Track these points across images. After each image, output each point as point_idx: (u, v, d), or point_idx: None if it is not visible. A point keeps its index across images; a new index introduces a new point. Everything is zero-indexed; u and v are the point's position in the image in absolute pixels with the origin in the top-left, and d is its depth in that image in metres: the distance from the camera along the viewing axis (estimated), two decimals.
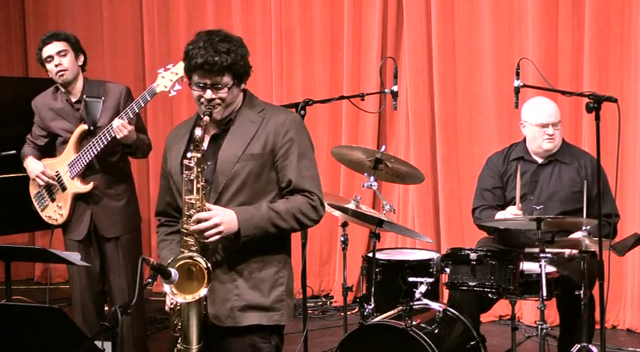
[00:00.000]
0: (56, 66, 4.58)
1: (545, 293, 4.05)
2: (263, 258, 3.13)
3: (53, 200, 4.70)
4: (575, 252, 4.37)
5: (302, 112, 4.47)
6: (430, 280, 4.38)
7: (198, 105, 3.13)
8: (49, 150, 4.77)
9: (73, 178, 4.63)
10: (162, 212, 3.33)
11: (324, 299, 6.74)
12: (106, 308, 5.07)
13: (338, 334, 5.26)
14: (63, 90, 4.68)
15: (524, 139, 4.82)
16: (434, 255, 4.70)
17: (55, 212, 4.70)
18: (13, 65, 7.62)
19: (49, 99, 4.72)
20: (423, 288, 4.32)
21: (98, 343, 2.95)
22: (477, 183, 4.92)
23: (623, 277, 5.77)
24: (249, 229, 3.03)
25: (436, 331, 4.13)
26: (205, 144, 3.14)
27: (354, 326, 4.36)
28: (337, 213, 4.85)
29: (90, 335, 3.27)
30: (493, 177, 4.82)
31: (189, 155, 3.03)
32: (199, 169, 3.02)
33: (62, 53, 4.60)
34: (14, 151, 4.92)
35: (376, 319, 4.20)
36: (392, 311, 4.22)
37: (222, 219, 3.01)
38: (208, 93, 3.07)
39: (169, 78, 4.47)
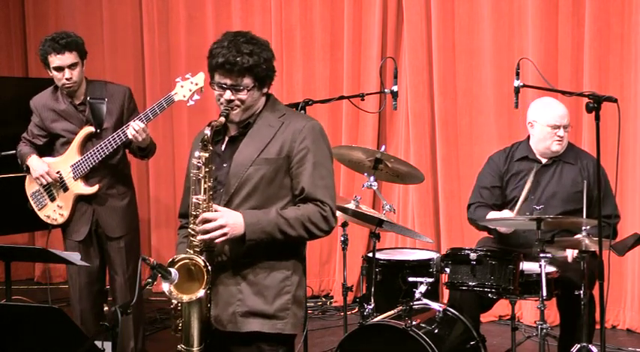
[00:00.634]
0: (67, 79, 4.56)
1: (545, 293, 4.05)
2: (270, 264, 3.08)
3: (53, 200, 4.70)
4: (577, 253, 4.37)
5: (302, 112, 4.46)
6: (430, 280, 4.37)
7: (219, 106, 3.10)
8: (45, 149, 4.77)
9: (76, 179, 4.63)
10: (184, 214, 3.27)
11: (324, 299, 6.75)
12: (106, 308, 5.07)
13: (338, 334, 5.26)
14: (65, 91, 4.67)
15: (528, 138, 4.81)
16: (434, 255, 4.70)
17: (54, 212, 4.70)
18: (13, 65, 7.61)
19: (49, 99, 4.70)
20: (423, 288, 4.32)
21: (98, 343, 2.96)
22: (476, 180, 4.91)
23: (623, 277, 5.77)
24: (255, 233, 2.99)
25: (436, 331, 4.13)
26: (223, 146, 3.13)
27: (354, 326, 4.36)
28: (337, 213, 4.84)
29: (86, 334, 3.26)
30: (493, 176, 4.81)
31: (196, 154, 3.02)
32: (207, 169, 3.01)
33: (73, 66, 4.56)
34: (14, 151, 4.92)
35: (376, 319, 4.20)
36: (392, 311, 4.22)
37: (228, 220, 2.98)
38: (227, 94, 3.05)
39: (188, 87, 4.48)
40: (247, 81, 3.04)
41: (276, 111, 3.15)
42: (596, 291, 4.21)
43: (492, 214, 4.63)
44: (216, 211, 3.01)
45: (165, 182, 7.21)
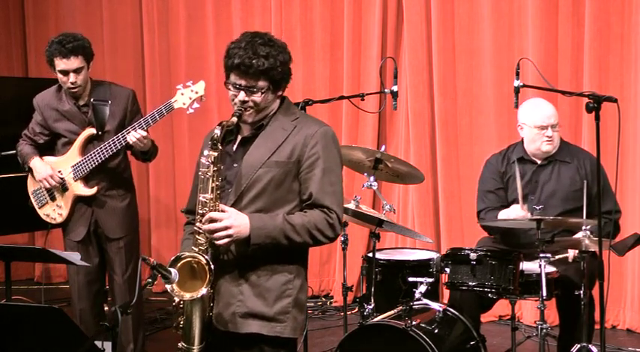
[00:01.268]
0: (71, 83, 4.55)
1: (545, 293, 4.05)
2: (273, 266, 3.07)
3: (53, 199, 4.70)
4: (577, 252, 4.38)
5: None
6: (430, 280, 4.38)
7: (233, 105, 3.09)
8: (46, 148, 4.76)
9: (76, 180, 4.63)
10: (190, 210, 3.25)
11: (324, 299, 6.74)
12: (106, 308, 5.07)
13: (338, 334, 5.26)
14: (70, 94, 4.66)
15: (522, 140, 4.82)
16: (434, 255, 4.70)
17: (54, 211, 4.70)
18: (13, 65, 7.61)
19: (53, 98, 4.69)
20: (423, 288, 4.32)
21: (98, 343, 2.96)
22: (477, 186, 4.91)
23: (623, 277, 5.77)
24: (260, 237, 2.99)
25: (436, 331, 4.13)
26: (235, 146, 3.13)
27: (354, 326, 4.36)
28: None
29: (85, 334, 3.26)
30: (494, 178, 4.81)
31: (205, 152, 3.02)
32: (215, 168, 3.00)
33: (78, 70, 4.54)
34: (14, 151, 4.92)
35: (376, 319, 4.20)
36: (392, 311, 4.22)
37: (234, 222, 2.97)
38: (241, 95, 3.04)
39: (188, 95, 4.49)
40: (262, 83, 3.04)
41: (290, 114, 3.15)
42: (596, 291, 4.21)
43: (502, 214, 4.62)
44: (223, 211, 3.00)
45: (165, 182, 7.21)
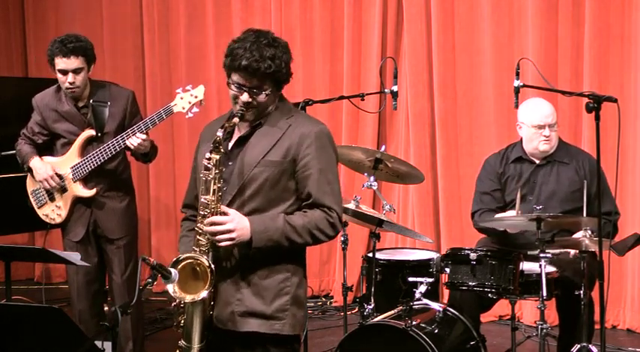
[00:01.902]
0: (70, 83, 4.54)
1: (545, 293, 4.05)
2: (271, 265, 3.07)
3: (52, 199, 4.70)
4: (577, 252, 4.38)
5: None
6: (430, 280, 4.37)
7: (233, 105, 3.09)
8: (45, 148, 4.76)
9: (75, 181, 4.63)
10: (189, 205, 3.27)
11: (324, 299, 6.74)
12: (106, 308, 5.07)
13: (338, 334, 5.26)
14: (68, 95, 4.65)
15: (521, 140, 4.82)
16: (434, 255, 4.70)
17: (52, 211, 4.70)
18: (13, 65, 7.60)
19: (52, 99, 4.69)
20: (423, 288, 4.32)
21: (98, 343, 2.96)
22: (475, 186, 4.92)
23: (623, 277, 5.77)
24: (261, 241, 2.99)
25: (436, 331, 4.13)
26: (231, 144, 3.12)
27: (354, 326, 4.36)
28: None
29: (85, 334, 3.26)
30: (491, 179, 4.81)
31: (207, 155, 3.01)
32: (217, 171, 2.99)
33: (78, 71, 4.54)
34: (14, 151, 4.91)
35: (376, 319, 4.20)
36: (392, 311, 4.22)
37: (237, 225, 2.97)
38: (245, 96, 3.03)
39: (188, 100, 4.49)
40: (267, 85, 3.03)
41: (286, 112, 3.13)
42: (596, 291, 4.21)
43: (498, 217, 4.62)
44: (225, 214, 2.99)
45: (165, 183, 7.21)
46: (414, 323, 4.01)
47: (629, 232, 4.60)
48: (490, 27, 6.07)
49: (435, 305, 4.26)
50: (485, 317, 5.44)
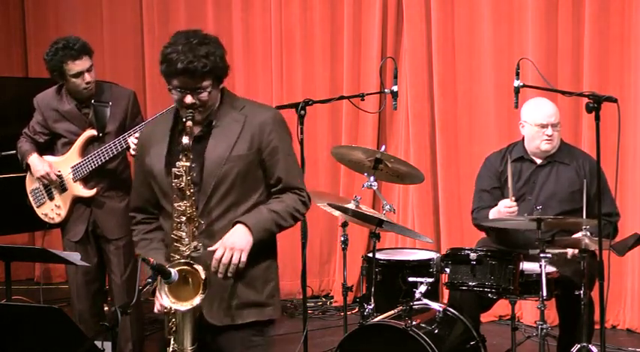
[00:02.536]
0: (87, 83, 4.54)
1: (545, 293, 4.05)
2: (253, 255, 3.13)
3: (51, 199, 4.70)
4: (577, 252, 4.38)
5: (302, 112, 4.46)
6: (430, 280, 4.37)
7: (180, 109, 3.12)
8: (46, 148, 4.76)
9: (75, 181, 4.63)
10: (139, 208, 3.31)
11: (324, 299, 6.74)
12: (106, 308, 5.07)
13: (338, 334, 5.26)
14: (85, 95, 4.64)
15: (523, 139, 4.82)
16: (434, 255, 4.69)
17: (52, 211, 4.70)
18: (13, 65, 7.60)
19: (53, 99, 4.69)
20: (423, 288, 4.32)
21: (98, 343, 2.96)
22: (475, 184, 4.92)
23: (623, 277, 5.77)
24: (259, 233, 3.09)
25: (436, 331, 4.13)
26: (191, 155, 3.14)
27: (354, 326, 4.36)
28: (337, 213, 4.85)
29: (85, 334, 3.27)
30: (491, 177, 4.81)
31: (178, 164, 3.03)
32: (188, 177, 3.03)
33: (90, 68, 4.55)
34: (14, 151, 4.91)
35: (376, 319, 4.20)
36: (392, 311, 4.22)
37: (228, 240, 3.03)
38: (189, 98, 3.06)
39: None
40: (207, 82, 3.07)
41: (236, 104, 3.19)
42: (596, 291, 4.21)
43: (492, 212, 4.62)
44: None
45: None
46: (414, 323, 4.01)
47: (629, 232, 4.60)
48: (490, 27, 6.07)
49: (435, 305, 4.26)
50: (485, 317, 5.43)
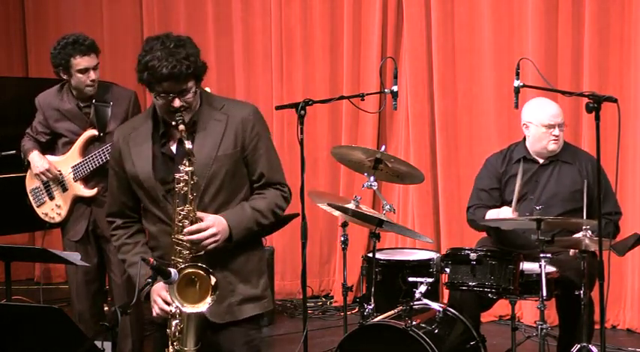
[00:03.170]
0: (91, 81, 4.55)
1: (545, 293, 4.05)
2: (246, 250, 3.21)
3: (52, 198, 4.70)
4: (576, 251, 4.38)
5: (302, 112, 4.46)
6: (430, 280, 4.37)
7: (164, 114, 3.12)
8: (48, 147, 4.77)
9: (76, 181, 4.63)
10: (117, 213, 3.32)
11: (324, 299, 6.74)
12: (106, 307, 5.07)
13: (338, 334, 5.26)
14: (74, 92, 4.65)
15: (524, 139, 4.82)
16: (434, 255, 4.70)
17: (52, 210, 4.71)
18: (13, 65, 7.60)
19: (54, 98, 4.69)
20: (423, 288, 4.32)
21: (98, 343, 2.96)
22: (474, 182, 4.92)
23: (623, 277, 5.77)
24: (240, 233, 3.13)
25: (436, 331, 4.13)
26: (174, 148, 3.16)
27: (354, 326, 4.36)
28: (337, 213, 4.85)
29: (85, 334, 3.27)
30: (491, 178, 4.81)
31: (181, 168, 3.04)
32: (193, 182, 3.04)
33: (96, 67, 4.56)
34: (14, 151, 4.92)
35: (376, 319, 4.20)
36: (392, 311, 4.22)
37: (217, 227, 3.07)
38: (177, 102, 3.07)
39: None
40: (190, 84, 3.09)
41: (215, 103, 3.21)
42: (596, 291, 4.21)
43: (491, 213, 4.63)
44: (201, 219, 3.06)
45: None
46: (414, 323, 4.01)
47: (630, 232, 4.60)
48: (490, 27, 6.07)
49: (435, 305, 4.26)
50: (485, 317, 5.44)
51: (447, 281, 4.35)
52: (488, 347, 4.36)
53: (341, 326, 4.99)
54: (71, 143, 4.65)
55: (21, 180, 4.86)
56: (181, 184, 3.04)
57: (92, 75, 4.55)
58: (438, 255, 4.67)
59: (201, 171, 3.09)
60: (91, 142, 4.63)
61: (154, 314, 3.14)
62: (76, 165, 4.62)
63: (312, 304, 6.53)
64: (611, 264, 4.10)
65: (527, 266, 4.24)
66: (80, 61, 4.51)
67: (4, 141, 5.33)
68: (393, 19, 6.44)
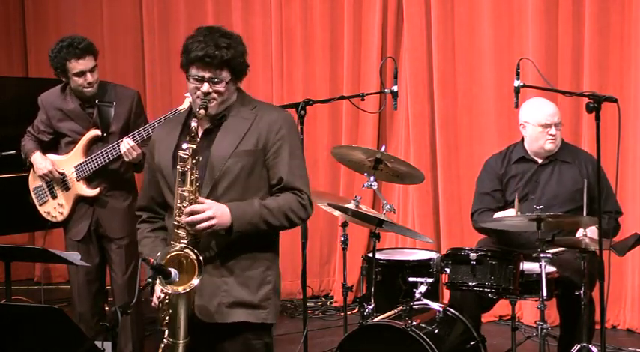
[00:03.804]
0: (88, 83, 4.55)
1: (545, 293, 4.05)
2: (253, 255, 3.15)
3: (54, 197, 4.71)
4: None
5: (302, 112, 4.46)
6: (430, 280, 4.37)
7: (194, 100, 3.13)
8: (50, 147, 4.77)
9: (78, 180, 4.64)
10: (145, 207, 3.32)
11: (324, 299, 6.74)
12: (106, 307, 5.07)
13: (338, 334, 5.26)
14: (87, 95, 4.65)
15: (522, 140, 4.82)
16: (434, 255, 4.69)
17: (54, 209, 4.71)
18: (13, 65, 7.61)
19: (58, 98, 4.69)
20: (423, 288, 4.32)
21: (98, 343, 2.96)
22: (475, 186, 4.92)
23: (623, 277, 5.77)
24: (242, 225, 3.05)
25: (436, 331, 4.13)
26: (198, 139, 3.12)
27: (354, 326, 4.36)
28: (337, 213, 4.85)
29: (85, 333, 3.27)
30: (491, 180, 4.81)
31: (184, 146, 3.03)
32: (194, 161, 3.02)
33: (93, 69, 4.56)
34: (14, 151, 4.92)
35: (376, 319, 4.20)
36: (392, 311, 4.22)
37: (216, 212, 3.02)
38: (205, 87, 3.07)
39: None
40: (225, 74, 3.08)
41: (248, 103, 3.20)
42: (596, 291, 4.21)
43: (499, 214, 4.62)
44: (202, 203, 3.03)
45: None
46: (414, 323, 4.01)
47: (629, 232, 4.60)
48: (490, 27, 6.07)
49: (435, 305, 4.27)
50: (485, 317, 5.43)
51: (447, 281, 4.35)
52: (488, 347, 4.36)
53: (341, 326, 4.99)
54: (74, 143, 4.65)
55: (21, 180, 4.86)
56: (183, 162, 3.03)
57: (89, 77, 4.54)
58: (438, 255, 4.67)
59: (217, 163, 3.09)
60: (94, 142, 4.64)
61: (153, 304, 3.14)
62: (79, 165, 4.62)
63: (312, 304, 6.53)
64: (611, 264, 4.11)
65: (528, 266, 4.25)
66: (75, 65, 4.51)
67: (4, 141, 5.33)
68: (393, 19, 6.44)
